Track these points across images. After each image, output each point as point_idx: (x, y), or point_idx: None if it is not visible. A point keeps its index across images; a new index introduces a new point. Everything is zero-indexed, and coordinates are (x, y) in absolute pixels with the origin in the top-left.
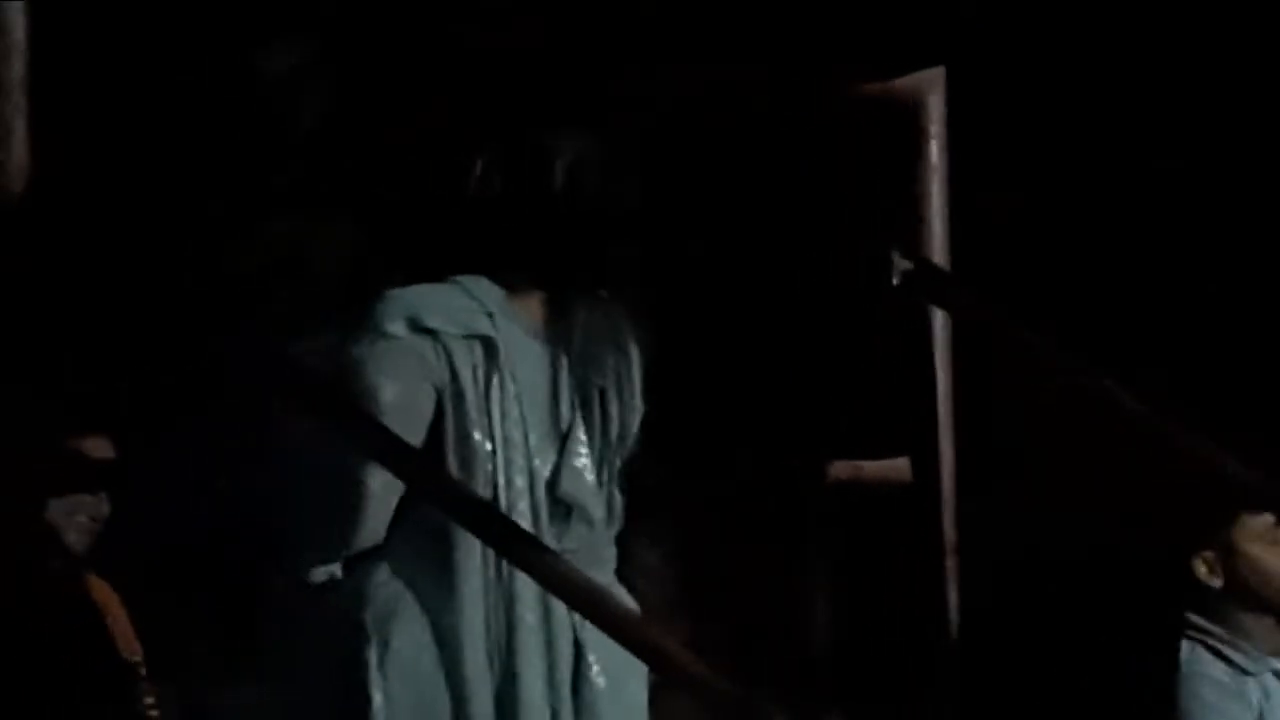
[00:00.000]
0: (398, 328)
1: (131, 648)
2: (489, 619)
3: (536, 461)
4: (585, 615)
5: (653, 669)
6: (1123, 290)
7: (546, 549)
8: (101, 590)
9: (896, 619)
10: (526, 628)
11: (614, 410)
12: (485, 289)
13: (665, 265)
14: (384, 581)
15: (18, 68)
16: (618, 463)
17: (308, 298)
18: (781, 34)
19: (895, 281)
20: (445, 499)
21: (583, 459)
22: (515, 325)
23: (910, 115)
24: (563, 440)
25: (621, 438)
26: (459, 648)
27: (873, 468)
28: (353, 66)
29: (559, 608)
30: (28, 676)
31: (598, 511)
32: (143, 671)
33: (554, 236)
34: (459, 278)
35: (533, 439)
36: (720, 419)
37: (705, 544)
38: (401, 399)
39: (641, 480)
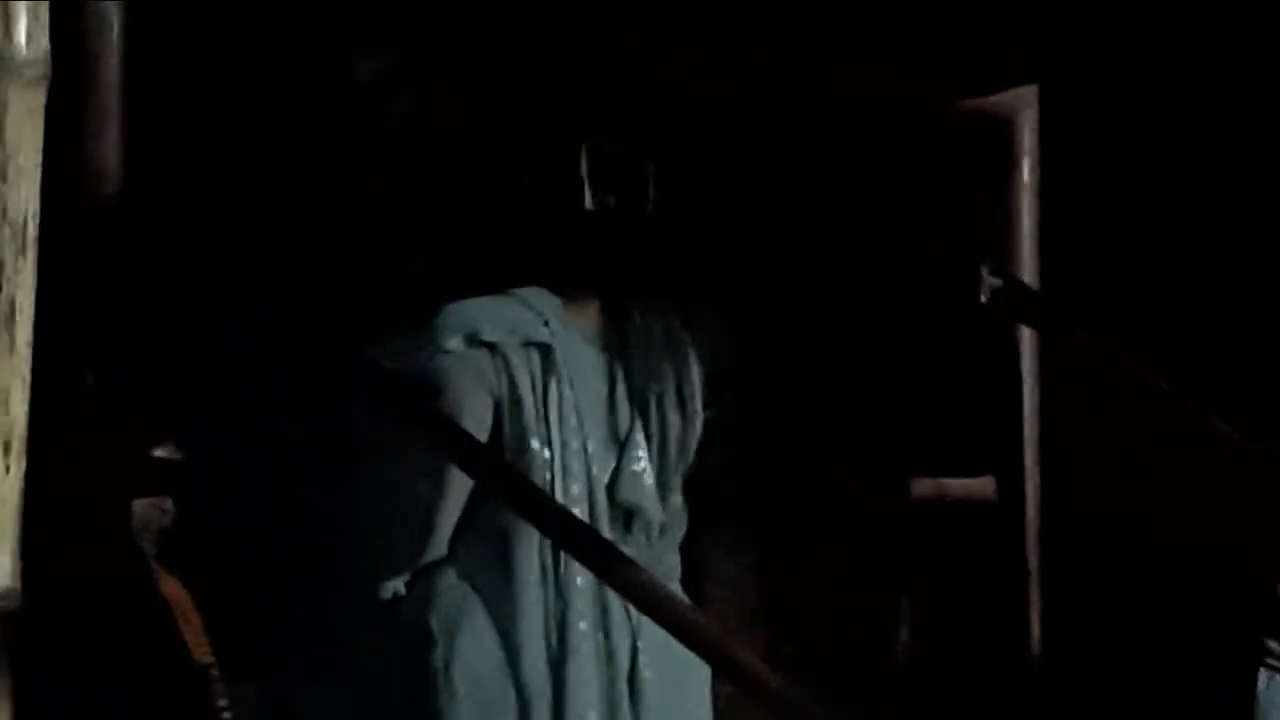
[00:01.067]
0: (455, 342)
1: (204, 649)
2: (547, 625)
3: (595, 469)
4: (664, 625)
5: (728, 681)
6: (1215, 312)
7: (626, 558)
8: (175, 590)
9: (977, 638)
10: (579, 634)
11: (673, 418)
12: (542, 299)
13: (755, 277)
14: (450, 587)
15: (112, 67)
16: (679, 470)
17: (387, 301)
18: (877, 49)
19: (984, 299)
20: (529, 508)
21: (641, 464)
22: (573, 333)
23: (1003, 133)
24: (621, 447)
25: (682, 445)
26: (519, 652)
27: (957, 485)
28: (439, 72)
29: (616, 615)
30: (101, 677)
31: (657, 517)
32: (215, 673)
33: (615, 246)
34: (516, 290)
35: (591, 446)
36: (805, 432)
37: (785, 557)
38: (459, 413)
39: (722, 491)
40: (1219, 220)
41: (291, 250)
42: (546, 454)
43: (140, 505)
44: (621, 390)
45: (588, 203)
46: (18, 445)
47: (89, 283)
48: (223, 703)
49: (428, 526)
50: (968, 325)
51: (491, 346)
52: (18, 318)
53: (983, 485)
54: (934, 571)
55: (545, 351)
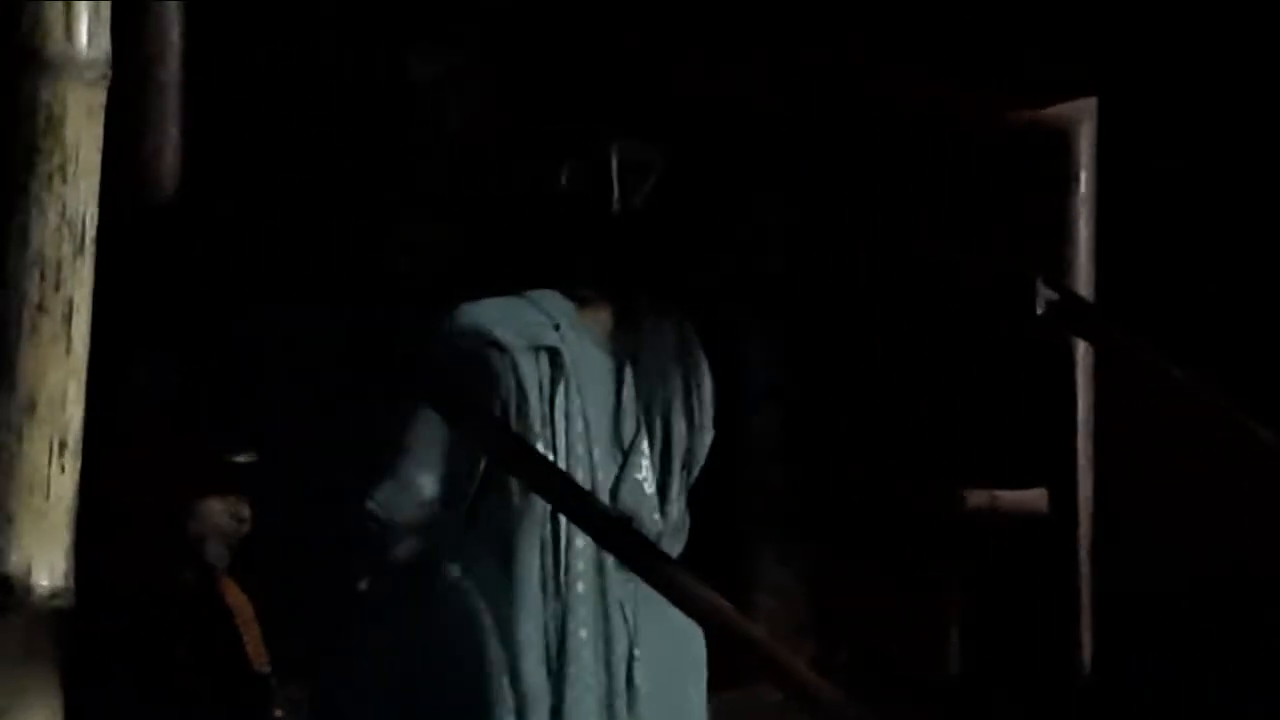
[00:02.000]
0: (465, 342)
1: (261, 656)
2: (547, 631)
3: (600, 474)
4: (703, 625)
5: (777, 687)
6: (1273, 326)
7: (666, 556)
8: (235, 596)
9: (1028, 650)
10: (579, 641)
11: (679, 426)
12: (555, 302)
13: (806, 286)
14: (452, 590)
15: (172, 69)
16: (683, 480)
17: (409, 299)
18: (937, 60)
19: (1039, 311)
20: (568, 506)
21: (643, 472)
22: (584, 338)
23: (1061, 145)
24: (625, 454)
25: (687, 455)
26: (519, 658)
27: (1009, 497)
28: (501, 74)
29: (615, 622)
30: (157, 682)
31: (654, 526)
32: (273, 681)
33: (629, 250)
34: (529, 292)
35: (596, 451)
36: (856, 442)
37: (836, 566)
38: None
39: (773, 500)
40: (1277, 233)
41: (344, 251)
42: (550, 458)
43: (215, 512)
44: (629, 396)
45: (614, 204)
46: (73, 445)
47: (146, 283)
48: (279, 713)
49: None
50: (1022, 337)
51: (501, 347)
52: (75, 317)
53: (1035, 497)
54: (984, 582)
55: (554, 356)
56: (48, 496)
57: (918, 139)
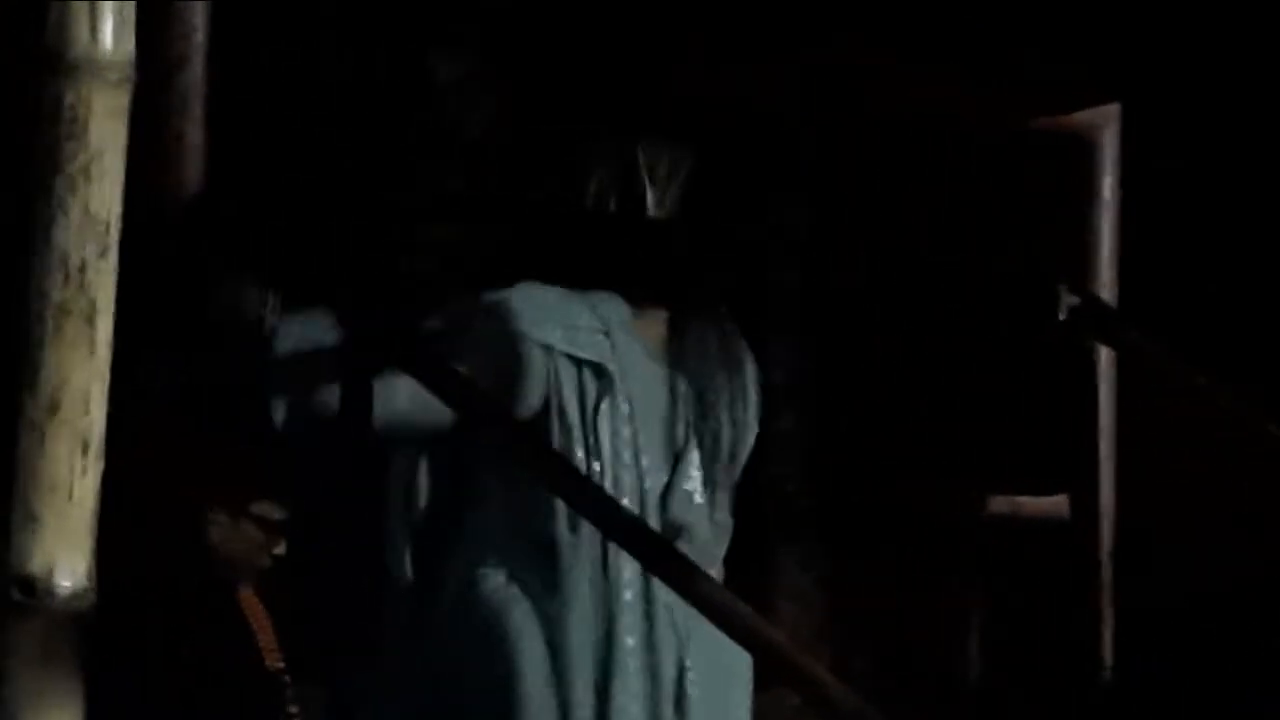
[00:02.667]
0: (514, 329)
1: (275, 654)
2: (595, 640)
3: (647, 483)
4: (730, 635)
5: (797, 692)
6: None
7: (696, 568)
8: (248, 596)
9: (1049, 657)
10: (627, 649)
11: (725, 433)
12: (612, 307)
13: (826, 290)
14: (498, 596)
15: (196, 71)
16: (728, 483)
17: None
18: (959, 64)
19: (1062, 317)
20: (596, 513)
21: (693, 481)
22: (636, 345)
23: (1084, 151)
24: (675, 463)
25: (731, 459)
26: (566, 666)
27: (1031, 504)
28: (519, 77)
29: (663, 631)
30: (173, 681)
31: (704, 534)
32: (286, 679)
33: (671, 255)
34: (588, 293)
35: (645, 460)
36: (879, 447)
37: (857, 571)
38: (518, 374)
39: (794, 505)
40: None
41: (367, 251)
42: (596, 466)
43: (249, 534)
44: (680, 404)
45: (650, 210)
46: (96, 446)
47: (169, 283)
48: (294, 709)
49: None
50: (1045, 342)
51: (548, 348)
52: (98, 318)
53: (1057, 504)
54: (1005, 588)
55: (599, 368)
56: (70, 497)
57: (940, 143)
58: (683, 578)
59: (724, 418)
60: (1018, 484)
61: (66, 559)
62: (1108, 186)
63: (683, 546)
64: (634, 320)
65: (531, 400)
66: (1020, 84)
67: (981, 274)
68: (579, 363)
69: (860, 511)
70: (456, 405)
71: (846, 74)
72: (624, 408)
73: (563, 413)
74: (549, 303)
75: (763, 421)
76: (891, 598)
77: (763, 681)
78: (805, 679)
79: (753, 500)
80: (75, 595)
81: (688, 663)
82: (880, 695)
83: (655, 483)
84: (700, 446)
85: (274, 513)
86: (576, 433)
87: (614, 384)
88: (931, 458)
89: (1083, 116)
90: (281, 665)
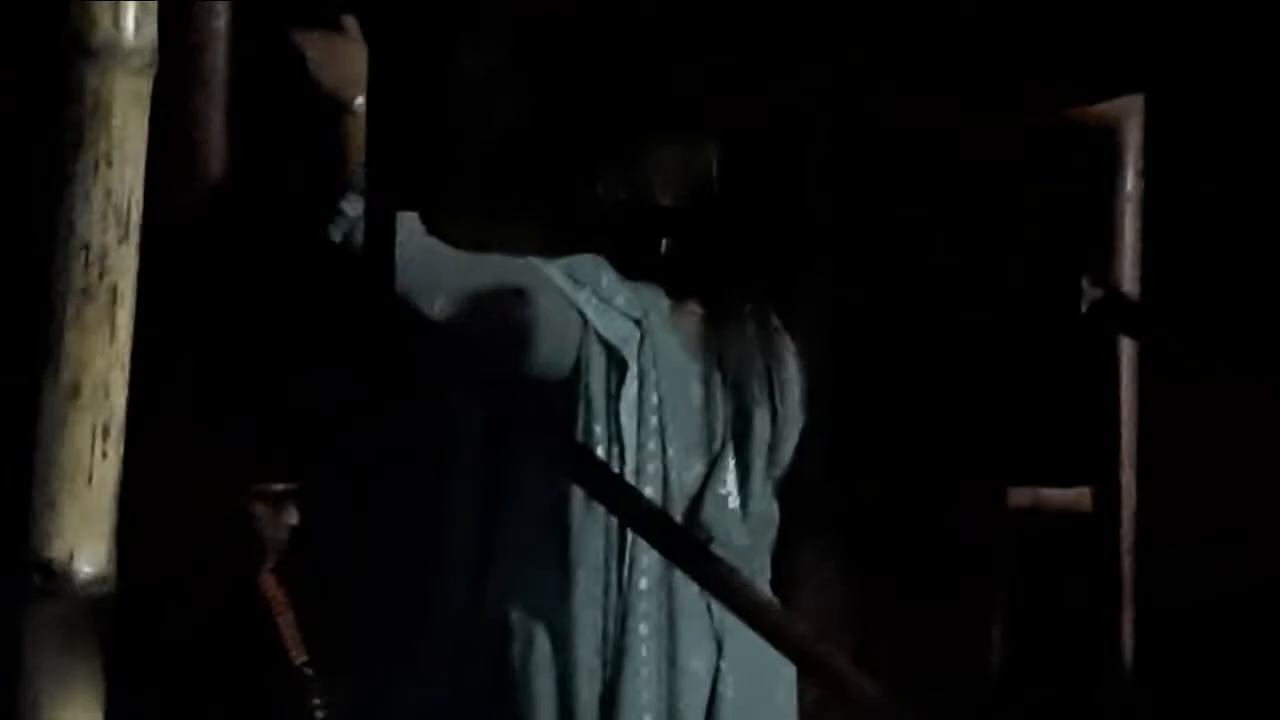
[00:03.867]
0: (561, 281)
1: (299, 648)
2: (604, 630)
3: (673, 475)
4: (748, 622)
5: (817, 684)
6: None
7: (713, 556)
8: (272, 588)
9: (1070, 649)
10: (639, 637)
11: (765, 432)
12: (651, 295)
13: (848, 285)
14: (506, 587)
15: (218, 57)
16: (769, 478)
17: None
18: (981, 56)
19: (1084, 310)
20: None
21: (727, 485)
22: (672, 337)
23: (1107, 142)
24: (710, 465)
25: (771, 462)
26: (572, 654)
27: (1053, 496)
28: (546, 70)
29: (687, 626)
30: (196, 676)
31: (739, 538)
32: (309, 672)
33: (733, 250)
34: (631, 280)
35: (672, 452)
36: (900, 439)
37: (878, 563)
38: (548, 313)
39: (815, 497)
40: None
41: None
42: (615, 450)
43: (261, 519)
44: (717, 400)
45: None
46: (116, 432)
47: (191, 271)
48: (317, 701)
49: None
50: (1067, 335)
51: (585, 321)
52: (119, 304)
53: (1079, 496)
54: (1027, 581)
55: (621, 359)
56: (90, 483)
57: (962, 137)
58: (699, 564)
59: (762, 414)
60: (1040, 476)
61: (87, 544)
62: (1130, 179)
63: (716, 546)
64: (671, 313)
65: (565, 360)
66: (1042, 76)
67: (1003, 267)
68: (606, 344)
69: (882, 505)
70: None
71: (868, 68)
72: (652, 397)
73: (588, 389)
74: (592, 272)
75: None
76: (913, 591)
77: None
78: (827, 671)
79: (775, 494)
80: (96, 580)
81: (723, 664)
82: (901, 688)
83: (683, 476)
84: (737, 447)
85: (277, 486)
86: (599, 415)
87: (643, 372)
88: (953, 450)
89: (1106, 108)
90: (305, 659)
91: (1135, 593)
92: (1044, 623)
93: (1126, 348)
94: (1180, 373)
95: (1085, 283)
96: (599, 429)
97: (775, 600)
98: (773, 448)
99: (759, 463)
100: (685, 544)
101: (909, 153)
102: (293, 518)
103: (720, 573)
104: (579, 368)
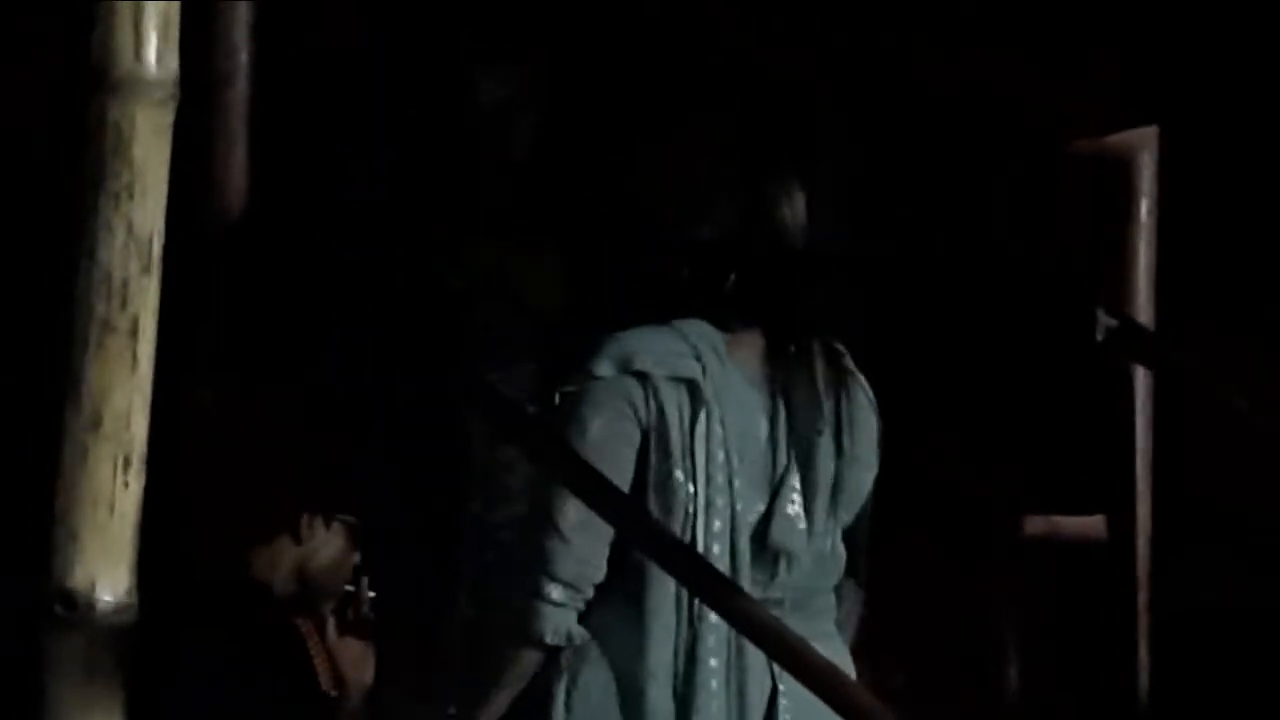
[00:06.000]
0: (606, 369)
1: (329, 678)
2: (675, 663)
3: (739, 506)
4: (778, 661)
5: (837, 710)
6: None
7: (740, 591)
8: (304, 621)
9: (1086, 677)
10: (709, 670)
11: (829, 468)
12: (703, 333)
13: (866, 310)
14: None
15: (240, 90)
16: (830, 511)
17: (513, 323)
18: (996, 89)
19: (1099, 338)
20: (640, 535)
21: (795, 508)
22: (733, 371)
23: (1122, 173)
24: (775, 488)
25: (835, 502)
26: (643, 690)
27: (1068, 524)
28: (564, 96)
29: (751, 655)
30: (225, 700)
31: (807, 560)
32: (341, 702)
33: (783, 281)
34: (678, 322)
35: (739, 483)
36: (917, 468)
37: (894, 589)
38: (605, 437)
39: None
40: None
41: (416, 270)
42: (691, 488)
43: (324, 572)
44: (782, 431)
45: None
46: (137, 462)
47: (213, 301)
48: None
49: (571, 540)
50: (1082, 364)
51: (643, 375)
52: (141, 335)
53: (1094, 524)
54: (1043, 608)
55: (693, 387)
56: (112, 512)
57: (977, 168)
58: (722, 597)
59: (826, 450)
60: (1055, 504)
61: (108, 573)
62: (1145, 209)
63: (786, 574)
64: (730, 345)
65: (632, 439)
66: (1058, 107)
67: (1019, 296)
68: (675, 383)
69: (898, 531)
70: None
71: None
72: (718, 430)
73: (664, 436)
74: (638, 337)
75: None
76: (929, 615)
77: None
78: (844, 697)
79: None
80: (117, 609)
81: (781, 686)
82: (918, 713)
83: (749, 507)
84: (804, 476)
85: (352, 520)
86: (676, 454)
87: (707, 403)
88: (969, 478)
89: (1121, 139)
90: (335, 688)
91: (1149, 618)
92: (1061, 648)
93: (1141, 376)
94: (1195, 400)
95: (1100, 312)
96: (678, 473)
97: (842, 640)
98: (837, 487)
99: (822, 498)
100: (711, 579)
101: (924, 185)
102: (355, 558)
103: (744, 605)
104: (647, 431)
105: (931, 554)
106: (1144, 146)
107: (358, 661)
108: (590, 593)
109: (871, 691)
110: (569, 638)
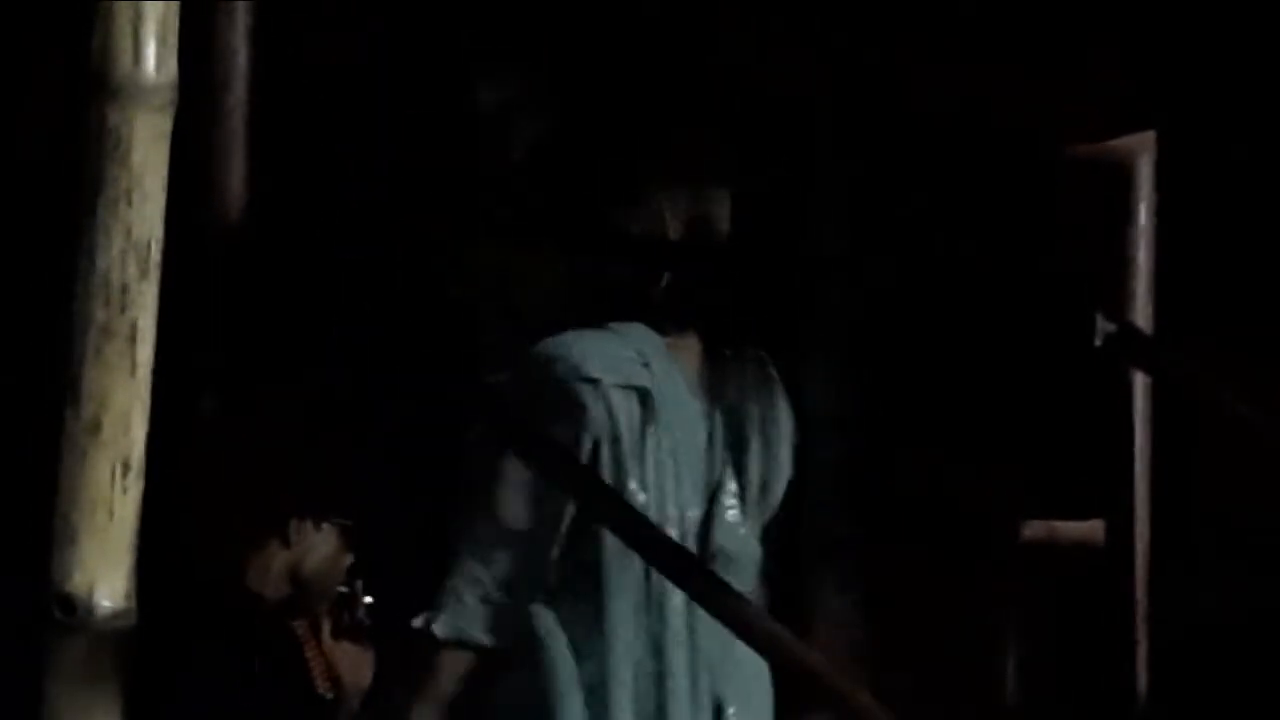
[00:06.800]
0: (559, 374)
1: (326, 680)
2: (638, 669)
3: (688, 513)
4: (770, 659)
5: (838, 717)
6: None
7: (738, 594)
8: (300, 623)
9: (1085, 682)
10: (674, 671)
11: (757, 466)
12: (646, 337)
13: (865, 319)
14: (537, 617)
15: (239, 95)
16: (758, 517)
17: (513, 329)
18: (993, 94)
19: (1098, 343)
20: (640, 537)
21: (733, 512)
22: (674, 376)
23: (1120, 178)
24: (713, 493)
25: (763, 493)
26: (606, 692)
27: (1067, 529)
28: (565, 103)
29: (707, 664)
30: (219, 704)
31: (748, 566)
32: (337, 705)
33: (717, 282)
34: (618, 325)
35: (684, 491)
36: (915, 473)
37: (894, 595)
38: (565, 425)
39: (833, 529)
40: None
41: (415, 276)
42: (642, 497)
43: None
44: (718, 436)
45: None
46: (136, 466)
47: (212, 306)
48: None
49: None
50: (1081, 369)
51: (593, 382)
52: (139, 340)
53: (1093, 529)
54: (1042, 613)
55: (644, 396)
56: (111, 517)
57: (975, 172)
58: (727, 605)
59: (756, 450)
60: (1054, 509)
61: (107, 578)
62: (1144, 214)
63: (727, 577)
64: (670, 349)
65: (584, 446)
66: (1056, 111)
67: (1017, 301)
68: (627, 391)
69: (897, 537)
70: (510, 440)
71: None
72: (665, 439)
73: (617, 443)
74: (588, 342)
75: (800, 448)
76: (929, 622)
77: (801, 708)
78: (845, 703)
79: (791, 525)
80: (116, 614)
81: (725, 691)
82: (918, 717)
83: (694, 513)
84: (739, 480)
85: (346, 522)
86: (629, 464)
87: (656, 412)
88: (967, 483)
89: (1119, 143)
90: (331, 693)
91: (1148, 625)
92: (1060, 655)
93: (1140, 381)
94: (1194, 406)
95: (1099, 317)
96: (631, 483)
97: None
98: (764, 490)
99: (752, 501)
100: (714, 586)
101: (922, 191)
102: (348, 559)
103: (748, 613)
104: (598, 439)
105: (930, 558)
106: (1143, 150)
107: (354, 664)
108: (529, 596)
109: (870, 696)
110: (504, 637)
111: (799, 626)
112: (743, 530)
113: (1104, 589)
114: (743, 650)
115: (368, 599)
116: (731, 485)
